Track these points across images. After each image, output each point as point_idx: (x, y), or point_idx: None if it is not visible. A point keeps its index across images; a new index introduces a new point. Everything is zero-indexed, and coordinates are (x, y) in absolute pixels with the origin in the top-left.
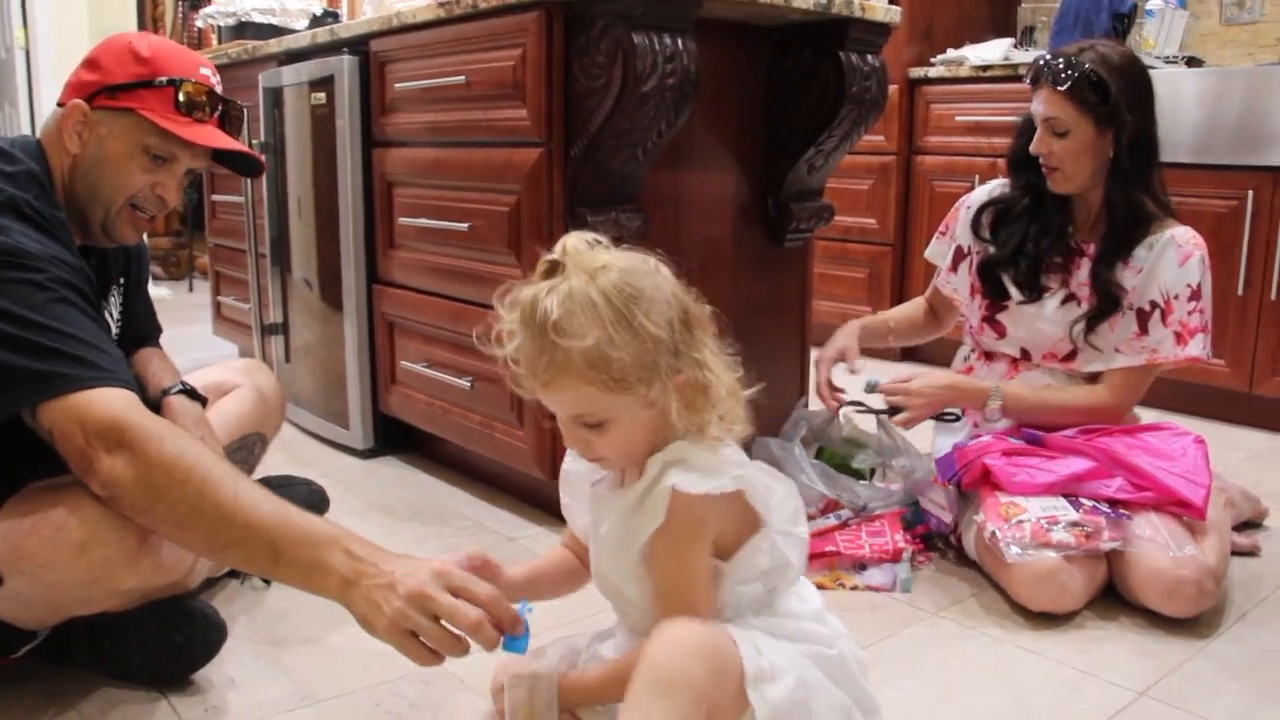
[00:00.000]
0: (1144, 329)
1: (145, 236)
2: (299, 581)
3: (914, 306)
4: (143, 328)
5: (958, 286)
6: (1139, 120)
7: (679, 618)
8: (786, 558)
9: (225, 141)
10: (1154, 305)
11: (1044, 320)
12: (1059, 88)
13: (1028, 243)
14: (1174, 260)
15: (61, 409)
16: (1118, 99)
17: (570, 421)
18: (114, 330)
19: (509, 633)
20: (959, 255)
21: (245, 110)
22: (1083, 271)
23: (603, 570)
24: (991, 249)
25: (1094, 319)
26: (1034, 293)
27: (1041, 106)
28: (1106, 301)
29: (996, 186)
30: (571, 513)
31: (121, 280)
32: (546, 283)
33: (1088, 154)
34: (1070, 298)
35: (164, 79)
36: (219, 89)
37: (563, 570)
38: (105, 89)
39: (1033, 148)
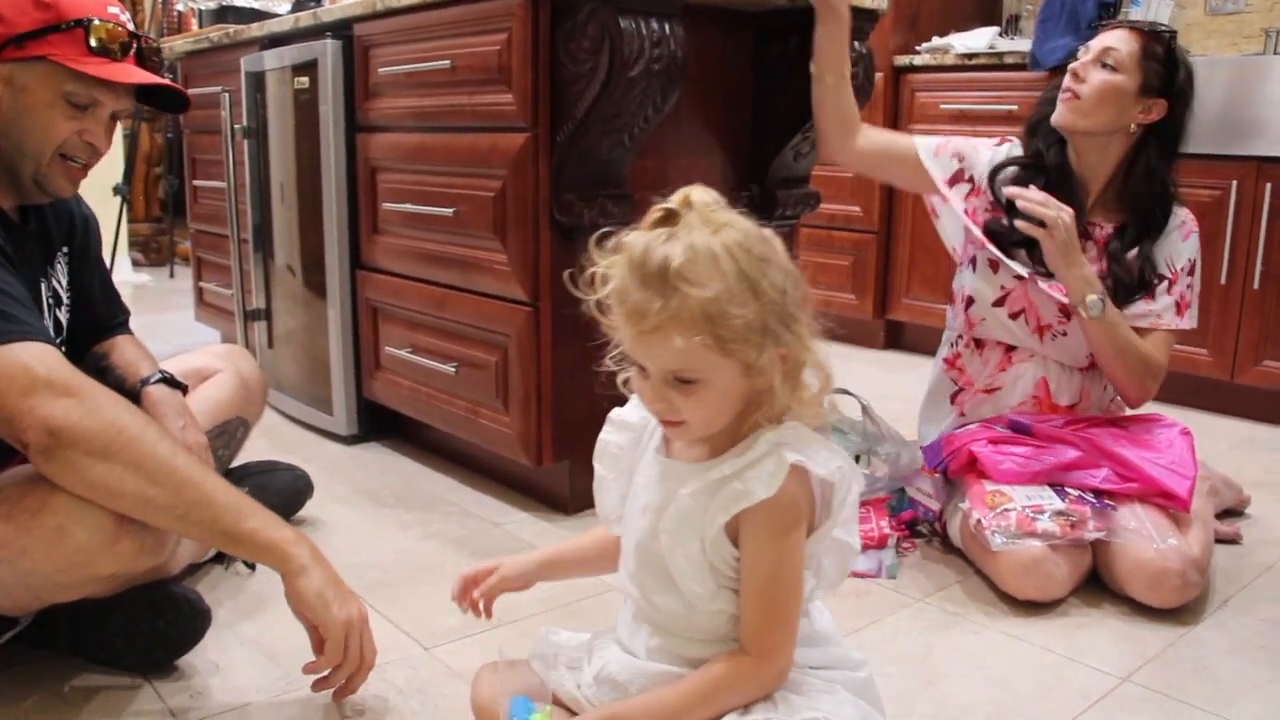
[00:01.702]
0: (1152, 296)
1: (125, 221)
2: (263, 539)
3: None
4: (104, 307)
5: (951, 199)
6: (1180, 107)
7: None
8: (826, 564)
9: (146, 77)
10: (1161, 277)
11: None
12: (1139, 29)
13: None
14: (1179, 235)
15: None
16: (1175, 77)
17: (661, 376)
18: (65, 302)
19: None
20: (959, 177)
21: (160, 47)
22: (1090, 251)
23: (655, 550)
24: (1003, 218)
25: (1127, 296)
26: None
27: (1107, 39)
28: (1143, 278)
29: (1009, 148)
30: (605, 487)
31: (65, 249)
32: (663, 229)
33: (1115, 102)
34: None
35: (71, 21)
36: (130, 25)
37: (595, 551)
38: (11, 40)
39: (1072, 65)
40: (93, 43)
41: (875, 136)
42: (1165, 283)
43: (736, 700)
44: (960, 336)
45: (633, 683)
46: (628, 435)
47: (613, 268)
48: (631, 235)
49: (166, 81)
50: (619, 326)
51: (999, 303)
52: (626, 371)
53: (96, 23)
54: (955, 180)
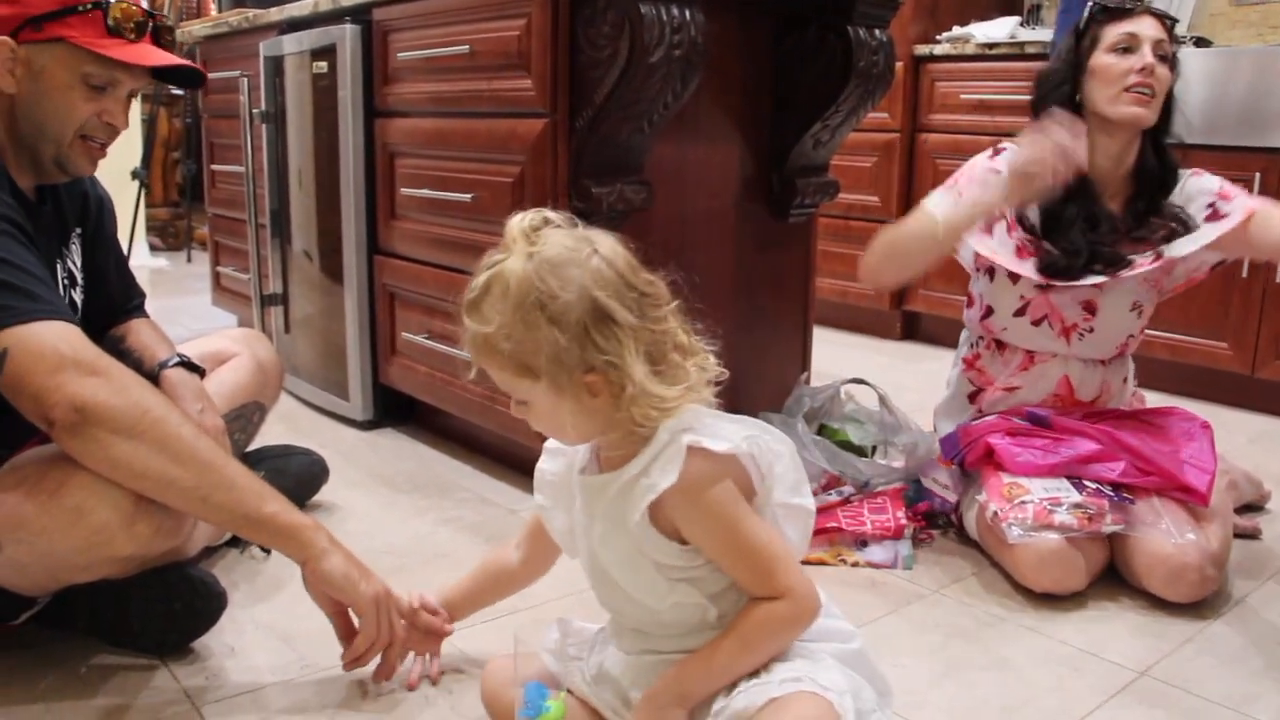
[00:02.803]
0: (1218, 216)
1: (144, 206)
2: (283, 523)
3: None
4: (119, 289)
5: (996, 249)
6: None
7: (795, 701)
8: (787, 532)
9: (165, 58)
10: (1210, 205)
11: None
12: (1160, 18)
13: (1078, 223)
14: (1193, 181)
15: (17, 337)
16: (1176, 56)
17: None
18: (79, 283)
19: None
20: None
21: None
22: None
23: (600, 565)
24: (1037, 233)
25: (1169, 240)
26: (1117, 266)
27: (1148, 29)
28: (1180, 220)
29: (1008, 154)
30: (550, 515)
31: (79, 230)
32: (493, 257)
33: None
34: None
35: (89, 3)
36: (145, 4)
37: (494, 577)
38: (29, 21)
39: (1140, 64)
40: (110, 24)
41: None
42: (1219, 201)
43: (782, 639)
44: (981, 338)
45: (624, 676)
46: (561, 461)
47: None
48: (483, 259)
49: (183, 61)
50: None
51: (1020, 312)
52: None
53: (114, 4)
54: (991, 223)
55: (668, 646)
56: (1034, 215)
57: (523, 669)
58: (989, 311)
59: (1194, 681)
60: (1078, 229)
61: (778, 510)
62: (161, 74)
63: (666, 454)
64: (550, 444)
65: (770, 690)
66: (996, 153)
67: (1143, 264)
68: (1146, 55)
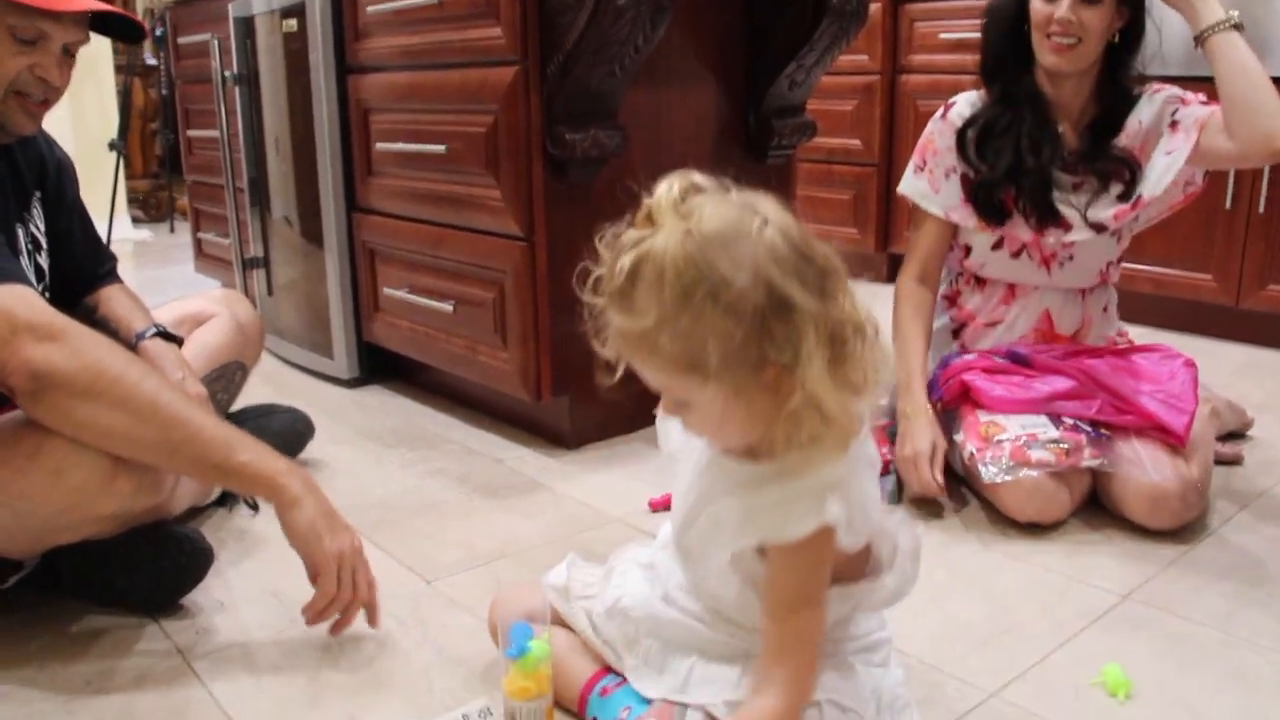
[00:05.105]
0: (1179, 127)
1: (123, 176)
2: (254, 470)
3: (919, 319)
4: (88, 253)
5: (943, 204)
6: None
7: None
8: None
9: (90, 4)
10: (1173, 113)
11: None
12: None
13: (1025, 158)
14: (1156, 95)
15: None
16: None
17: (658, 389)
18: (44, 247)
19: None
20: (943, 177)
21: None
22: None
23: (690, 530)
24: (983, 170)
25: (1125, 195)
26: (1048, 219)
27: None
28: (1124, 168)
29: (968, 102)
30: (667, 426)
31: (39, 193)
32: (637, 232)
33: (1106, 31)
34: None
35: None
36: None
37: None
38: None
39: (1058, 14)
40: None
41: (932, 269)
42: (1175, 110)
43: None
44: (960, 274)
45: (644, 623)
46: None
47: (601, 273)
48: (623, 234)
49: (115, 9)
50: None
51: (997, 246)
52: None
53: None
54: (940, 185)
55: (713, 623)
56: (973, 133)
57: (528, 601)
58: (967, 251)
59: (1176, 603)
60: (1008, 138)
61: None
62: (102, 28)
63: (803, 506)
64: None
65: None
66: (947, 110)
67: (1121, 214)
68: (1063, 4)
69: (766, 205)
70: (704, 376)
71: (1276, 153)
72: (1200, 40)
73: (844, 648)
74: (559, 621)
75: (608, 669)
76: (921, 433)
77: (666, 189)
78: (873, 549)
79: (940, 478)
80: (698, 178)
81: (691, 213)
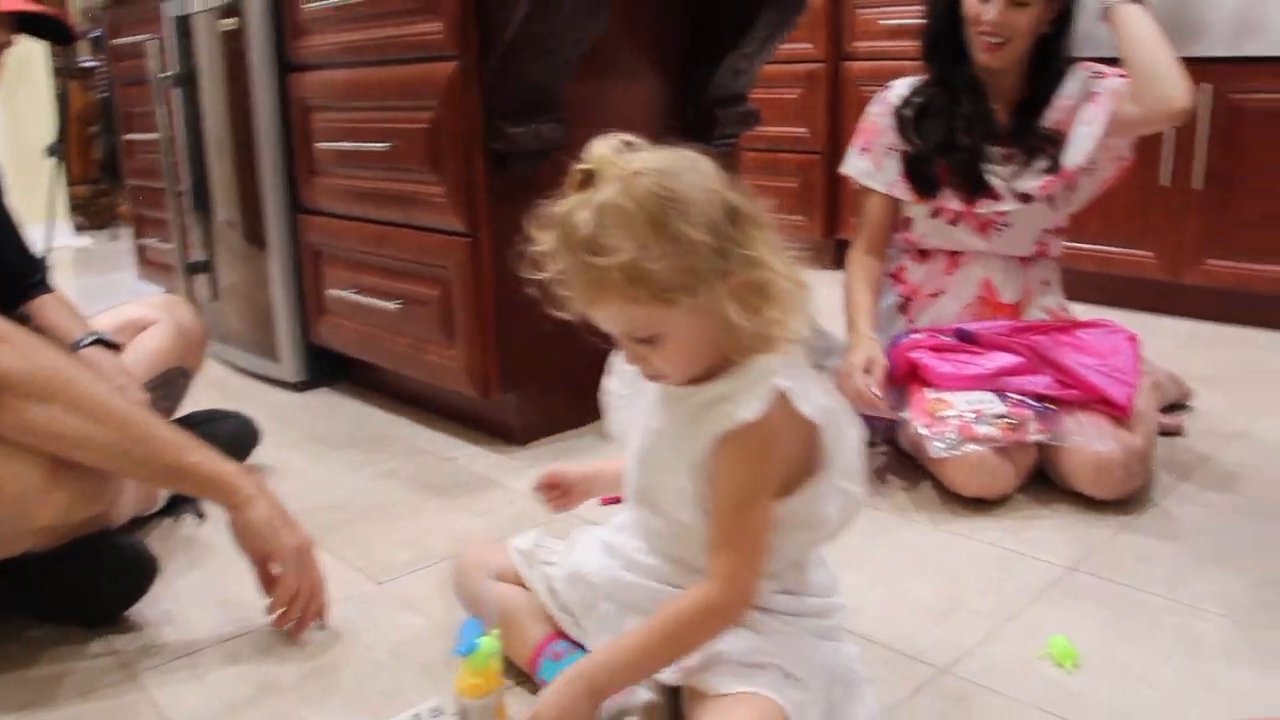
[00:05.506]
0: (1096, 99)
1: (64, 185)
2: (207, 471)
3: (867, 280)
4: (18, 260)
5: (884, 180)
6: None
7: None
8: (828, 514)
9: (15, 4)
10: (1092, 88)
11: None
12: None
13: (958, 135)
14: (1080, 74)
15: None
16: None
17: (623, 338)
18: None
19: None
20: (885, 156)
21: None
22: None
23: (647, 472)
24: (919, 144)
25: (1051, 168)
26: (978, 189)
27: None
28: (1049, 144)
29: (907, 84)
30: (615, 404)
31: None
32: (578, 196)
33: (1036, 28)
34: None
35: None
36: None
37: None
38: None
39: (987, 16)
40: None
41: (878, 242)
42: (1094, 84)
43: (704, 635)
44: (904, 251)
45: (603, 586)
46: (624, 379)
47: (546, 245)
48: (559, 206)
49: (40, 9)
50: (570, 301)
51: (935, 214)
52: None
53: None
54: (882, 163)
55: (675, 577)
56: (910, 112)
57: (492, 558)
58: (908, 223)
59: (1121, 572)
60: (941, 119)
61: (831, 493)
62: (29, 29)
63: (756, 389)
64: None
65: (725, 684)
66: (886, 91)
67: (1048, 184)
68: (998, 5)
69: (690, 151)
70: (689, 294)
71: (1175, 114)
72: (1105, 14)
73: (801, 623)
74: (517, 582)
75: (561, 634)
76: (857, 350)
77: (604, 146)
78: (821, 439)
79: (877, 390)
80: (626, 136)
81: (634, 160)
